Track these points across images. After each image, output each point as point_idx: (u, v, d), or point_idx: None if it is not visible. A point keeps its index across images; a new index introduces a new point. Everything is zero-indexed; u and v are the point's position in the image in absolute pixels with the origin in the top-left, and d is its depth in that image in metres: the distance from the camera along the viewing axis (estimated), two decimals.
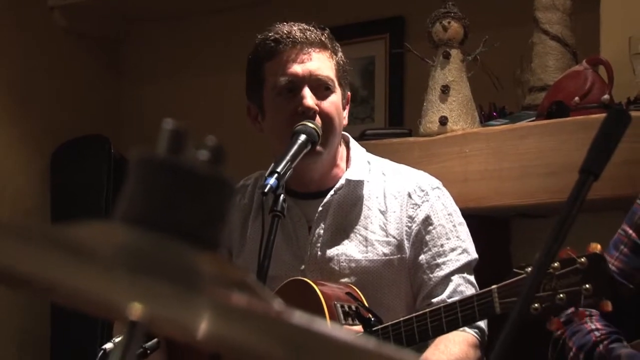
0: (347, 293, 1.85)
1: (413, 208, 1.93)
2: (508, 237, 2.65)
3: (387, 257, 1.92)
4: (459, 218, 1.97)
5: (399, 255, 1.92)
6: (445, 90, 2.42)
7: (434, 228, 1.93)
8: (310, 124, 1.86)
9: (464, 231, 1.96)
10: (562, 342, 1.82)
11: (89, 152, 3.38)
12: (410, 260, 1.93)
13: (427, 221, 1.93)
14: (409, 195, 1.94)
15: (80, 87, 3.57)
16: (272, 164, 1.82)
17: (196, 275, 0.45)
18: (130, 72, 3.66)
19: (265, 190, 1.75)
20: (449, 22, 2.42)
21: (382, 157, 2.06)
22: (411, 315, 1.77)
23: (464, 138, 2.41)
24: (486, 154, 2.37)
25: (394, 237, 1.93)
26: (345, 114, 1.98)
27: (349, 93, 2.01)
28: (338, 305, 1.83)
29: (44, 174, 3.41)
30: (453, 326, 1.74)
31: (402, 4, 3.05)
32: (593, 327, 1.79)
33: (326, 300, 1.83)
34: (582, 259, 1.58)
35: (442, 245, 1.92)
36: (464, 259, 1.93)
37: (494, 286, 1.69)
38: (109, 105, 3.62)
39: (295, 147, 1.82)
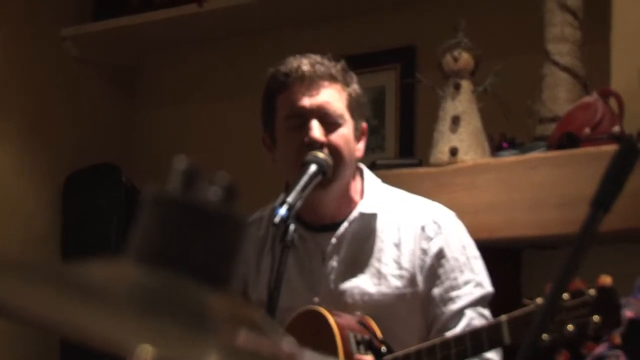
0: (361, 323, 1.85)
1: (426, 241, 1.93)
2: (519, 268, 2.64)
3: (400, 291, 1.91)
4: (474, 251, 1.96)
5: (411, 289, 1.91)
6: (455, 120, 2.43)
7: (447, 261, 1.92)
8: (320, 154, 1.87)
9: (478, 264, 1.95)
10: None
11: (100, 180, 3.39)
12: (423, 294, 1.91)
13: (440, 254, 1.92)
14: (423, 229, 1.94)
15: (92, 116, 3.58)
16: (282, 194, 1.83)
17: (206, 315, 0.45)
18: (141, 100, 3.68)
19: (276, 220, 1.76)
20: (460, 53, 2.43)
21: (392, 187, 2.06)
22: (420, 346, 1.77)
23: (474, 169, 2.41)
24: (496, 184, 2.37)
25: (407, 271, 1.92)
26: (361, 146, 1.99)
27: (364, 125, 2.01)
28: (351, 334, 1.83)
29: (56, 201, 3.42)
30: (462, 357, 1.73)
31: (413, 34, 3.07)
32: None
33: (339, 329, 1.83)
34: (592, 291, 1.57)
35: (455, 279, 1.91)
36: (477, 292, 1.91)
37: (503, 316, 1.69)
38: (121, 134, 3.64)
39: (306, 177, 1.83)
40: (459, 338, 1.73)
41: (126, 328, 0.41)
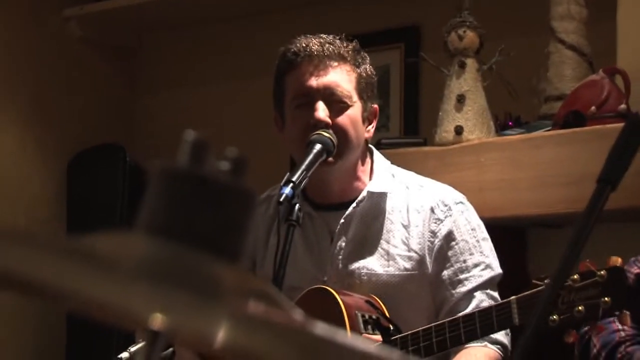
0: (369, 302, 1.85)
1: (436, 223, 1.92)
2: (524, 247, 2.64)
3: (408, 272, 1.90)
4: (483, 233, 1.95)
5: (420, 271, 1.90)
6: (460, 99, 2.42)
7: (457, 243, 1.91)
8: (325, 133, 1.87)
9: (487, 246, 1.94)
10: (588, 338, 1.81)
11: (104, 160, 3.39)
12: (432, 276, 1.91)
13: (449, 236, 1.91)
14: (432, 210, 1.93)
15: (96, 96, 3.58)
16: (288, 173, 1.83)
17: (216, 285, 0.45)
18: (144, 80, 3.67)
19: (281, 199, 1.76)
20: (465, 31, 2.42)
21: (397, 166, 2.06)
22: (430, 325, 1.77)
23: (479, 147, 2.40)
24: (502, 163, 2.37)
25: (415, 252, 1.91)
26: (371, 128, 1.98)
27: (375, 106, 1.99)
28: (359, 314, 1.83)
29: (60, 182, 3.43)
30: (471, 337, 1.74)
31: (417, 13, 3.05)
32: (619, 327, 1.79)
33: (347, 308, 1.83)
34: (602, 272, 1.57)
35: (464, 261, 1.90)
36: (487, 274, 1.90)
37: (512, 297, 1.69)
38: (124, 114, 3.64)
39: (311, 156, 1.83)
40: (468, 318, 1.73)
41: (137, 297, 0.41)
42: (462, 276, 1.89)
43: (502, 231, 2.46)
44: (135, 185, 3.29)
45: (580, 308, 1.57)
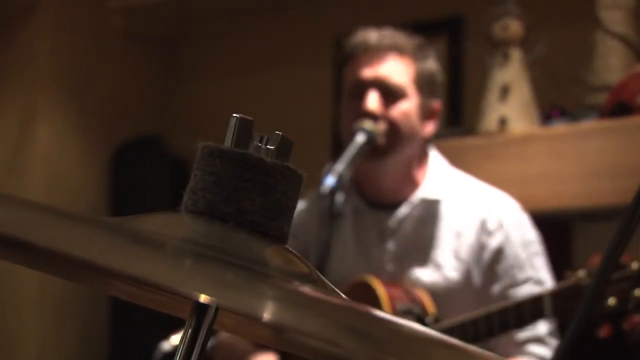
0: (412, 295, 1.84)
1: (487, 235, 1.86)
2: (569, 240, 2.61)
3: (454, 283, 1.86)
4: (536, 247, 1.88)
5: (467, 282, 1.86)
6: (505, 90, 2.40)
7: (507, 258, 1.85)
8: (368, 125, 1.85)
9: (539, 261, 1.87)
10: None
11: (146, 152, 3.42)
12: (479, 289, 1.86)
13: (499, 250, 1.85)
14: (484, 222, 1.87)
15: (139, 88, 3.61)
16: (328, 164, 1.82)
17: (261, 265, 0.45)
18: (187, 72, 3.69)
19: (324, 190, 1.75)
20: (509, 22, 2.39)
21: (459, 171, 2.01)
22: (462, 318, 1.75)
23: (523, 139, 2.38)
24: (546, 155, 2.34)
25: (464, 263, 1.86)
26: (430, 125, 1.92)
27: (435, 103, 1.93)
28: (400, 304, 1.82)
29: (103, 173, 3.46)
30: (504, 328, 1.71)
31: (461, 4, 3.03)
32: None
33: (389, 300, 1.82)
34: (634, 264, 1.54)
35: (514, 276, 1.84)
36: (538, 290, 1.82)
37: (545, 289, 1.67)
38: (166, 106, 3.66)
39: (353, 147, 1.81)
40: (502, 311, 1.71)
41: (182, 274, 0.41)
42: (511, 291, 1.83)
43: (546, 225, 2.43)
44: (176, 177, 3.31)
45: (611, 301, 1.53)
